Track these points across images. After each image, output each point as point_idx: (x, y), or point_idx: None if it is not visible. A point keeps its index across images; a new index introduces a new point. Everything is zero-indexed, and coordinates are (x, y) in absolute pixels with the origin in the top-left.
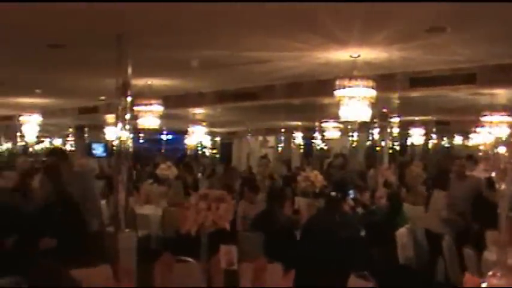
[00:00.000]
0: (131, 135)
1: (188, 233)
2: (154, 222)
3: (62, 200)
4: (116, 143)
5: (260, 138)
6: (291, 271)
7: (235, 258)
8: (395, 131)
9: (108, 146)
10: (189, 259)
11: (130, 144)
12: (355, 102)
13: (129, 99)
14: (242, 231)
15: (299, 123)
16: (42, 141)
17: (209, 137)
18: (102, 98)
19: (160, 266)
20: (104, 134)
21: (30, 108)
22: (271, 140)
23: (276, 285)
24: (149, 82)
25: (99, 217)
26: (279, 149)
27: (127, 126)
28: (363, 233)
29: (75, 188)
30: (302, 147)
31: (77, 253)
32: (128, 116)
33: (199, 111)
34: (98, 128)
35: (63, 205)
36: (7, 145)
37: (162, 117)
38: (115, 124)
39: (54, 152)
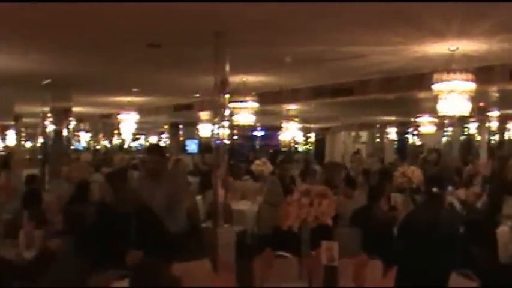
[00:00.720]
0: (229, 132)
1: (285, 229)
2: (250, 218)
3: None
4: (214, 139)
5: (353, 133)
6: (392, 269)
7: (337, 254)
8: (494, 125)
9: (201, 142)
10: (288, 255)
11: (228, 141)
12: (454, 96)
13: (226, 96)
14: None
15: (393, 118)
16: (138, 139)
17: (302, 133)
18: (197, 95)
19: (260, 262)
20: (198, 130)
21: (128, 107)
22: (363, 135)
23: (376, 282)
24: (244, 79)
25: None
26: (372, 144)
27: (224, 123)
28: (461, 231)
29: (166, 187)
30: (396, 142)
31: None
32: (227, 113)
33: (293, 107)
34: (192, 125)
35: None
36: (104, 142)
37: (256, 113)
38: (211, 121)
39: (155, 149)
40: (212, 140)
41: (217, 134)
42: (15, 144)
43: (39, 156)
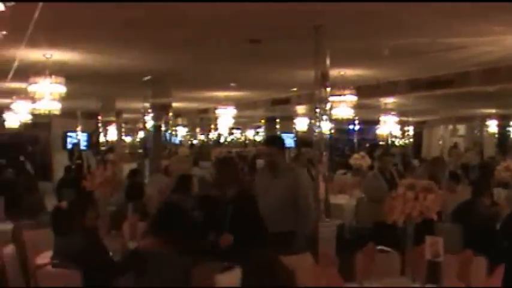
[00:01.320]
0: (330, 126)
1: (389, 223)
2: (348, 212)
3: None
4: (313, 133)
5: (450, 127)
6: (500, 267)
7: (441, 249)
8: None
9: (298, 137)
10: (390, 249)
11: (328, 135)
12: None
13: (327, 89)
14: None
15: (493, 110)
16: (232, 133)
17: (399, 127)
18: (294, 89)
19: (362, 256)
20: (294, 125)
21: (225, 101)
22: (461, 128)
23: (481, 280)
24: (342, 72)
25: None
26: (470, 138)
27: (325, 117)
28: None
29: (283, 180)
30: (496, 136)
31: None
32: (327, 106)
33: (390, 100)
34: (289, 119)
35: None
36: (200, 137)
37: (353, 107)
38: (308, 115)
39: (272, 140)
40: (312, 134)
41: (318, 127)
42: (116, 139)
43: (139, 151)
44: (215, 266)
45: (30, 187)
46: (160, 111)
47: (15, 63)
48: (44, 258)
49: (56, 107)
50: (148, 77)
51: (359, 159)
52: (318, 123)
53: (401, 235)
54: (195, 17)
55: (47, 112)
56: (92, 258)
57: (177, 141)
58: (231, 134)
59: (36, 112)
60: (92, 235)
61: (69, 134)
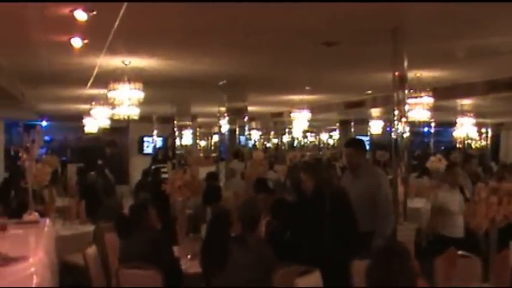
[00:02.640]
0: (408, 128)
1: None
2: (425, 216)
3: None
4: (392, 136)
5: None
6: None
7: None
8: None
9: (372, 139)
10: (471, 255)
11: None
12: None
13: (405, 92)
14: None
15: None
16: (306, 137)
17: (475, 129)
18: (369, 92)
19: (443, 261)
20: (369, 127)
21: (299, 105)
22: None
23: None
24: (418, 74)
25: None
26: None
27: (403, 119)
28: None
29: (364, 181)
30: None
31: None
32: (406, 108)
33: (467, 102)
34: (363, 122)
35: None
36: (274, 140)
37: (430, 109)
38: (386, 117)
39: (352, 142)
40: (388, 136)
41: (396, 130)
42: (191, 143)
43: (213, 154)
44: (295, 269)
45: (109, 190)
46: (236, 115)
47: (95, 71)
48: None
49: (134, 112)
50: (224, 82)
51: (436, 162)
52: (395, 126)
53: (481, 240)
54: (271, 21)
55: (125, 117)
56: (158, 259)
57: (250, 146)
58: (304, 137)
59: (116, 117)
60: (156, 236)
61: (145, 138)
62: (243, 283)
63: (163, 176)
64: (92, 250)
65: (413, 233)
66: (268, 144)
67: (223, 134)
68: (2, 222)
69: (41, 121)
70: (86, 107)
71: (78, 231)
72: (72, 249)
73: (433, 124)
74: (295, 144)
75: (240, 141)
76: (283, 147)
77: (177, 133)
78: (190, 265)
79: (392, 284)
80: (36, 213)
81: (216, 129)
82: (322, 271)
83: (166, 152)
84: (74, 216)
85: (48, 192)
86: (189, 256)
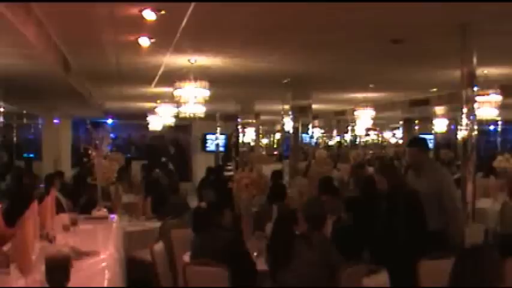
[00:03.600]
0: (476, 127)
1: None
2: (492, 217)
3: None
4: (460, 135)
5: None
6: None
7: None
8: None
9: (436, 138)
10: None
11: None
12: None
13: (475, 89)
14: None
15: None
16: (369, 135)
17: None
18: (434, 89)
19: None
20: (433, 126)
21: (363, 103)
22: None
23: None
24: (485, 71)
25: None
26: None
27: (472, 117)
28: None
29: (426, 180)
30: None
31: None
32: (474, 106)
33: None
34: (427, 120)
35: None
36: (337, 138)
37: (497, 107)
38: (451, 115)
39: (414, 141)
40: (454, 135)
41: (464, 129)
42: (254, 141)
43: (275, 153)
44: (361, 268)
45: (174, 187)
46: (300, 113)
47: (161, 69)
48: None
49: (199, 110)
50: (288, 79)
51: (503, 161)
52: (463, 124)
53: None
54: (338, 19)
55: (191, 115)
56: (231, 256)
57: (312, 143)
58: (367, 135)
59: (182, 115)
60: (230, 234)
61: (208, 136)
62: (308, 281)
63: (227, 173)
64: (159, 246)
65: (482, 234)
66: (330, 143)
67: (286, 132)
68: (72, 218)
69: (107, 119)
70: (150, 105)
71: (144, 228)
72: (138, 245)
73: (500, 122)
74: (357, 142)
75: (302, 140)
76: (346, 145)
77: (240, 131)
78: (256, 263)
79: (481, 285)
80: (105, 209)
81: (278, 127)
82: (389, 271)
83: (229, 150)
84: (139, 212)
85: (115, 189)
86: (255, 254)
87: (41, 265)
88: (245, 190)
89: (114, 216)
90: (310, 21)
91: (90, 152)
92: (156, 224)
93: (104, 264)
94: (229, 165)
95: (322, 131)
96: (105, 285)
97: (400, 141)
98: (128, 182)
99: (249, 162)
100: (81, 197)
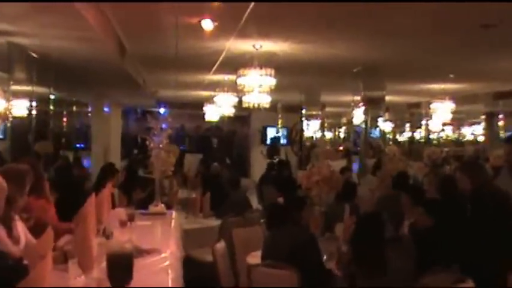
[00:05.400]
0: None
1: None
2: None
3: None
4: None
5: None
6: None
7: None
8: None
9: None
10: None
11: None
12: None
13: None
14: None
15: None
16: (443, 130)
17: None
18: None
19: None
20: None
21: (440, 95)
22: None
23: None
24: None
25: None
26: None
27: None
28: None
29: None
30: None
31: None
32: None
33: None
34: None
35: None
36: (407, 133)
37: None
38: None
39: None
40: None
41: None
42: (320, 135)
43: (340, 148)
44: (447, 277)
45: (234, 183)
46: (372, 104)
47: (222, 55)
48: (254, 257)
49: (264, 100)
50: (359, 68)
51: None
52: None
53: None
54: (420, 3)
55: (255, 105)
56: (305, 257)
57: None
58: (442, 130)
59: (245, 105)
60: (306, 234)
61: (268, 128)
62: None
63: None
64: (220, 246)
65: None
66: (400, 138)
67: (355, 125)
68: (129, 213)
69: (159, 108)
70: (208, 93)
71: (202, 225)
72: (195, 244)
73: None
74: (431, 138)
75: (371, 134)
76: (418, 141)
77: (304, 123)
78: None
79: None
80: (163, 205)
81: (344, 120)
82: (476, 282)
83: (292, 144)
84: (197, 209)
85: (170, 183)
86: (325, 257)
87: (100, 262)
88: (316, 187)
89: (172, 212)
90: (385, 5)
91: (148, 142)
92: (215, 222)
93: (166, 263)
94: (275, 159)
95: (393, 125)
96: (170, 285)
97: (481, 138)
98: (182, 176)
99: (314, 157)
100: (134, 191)
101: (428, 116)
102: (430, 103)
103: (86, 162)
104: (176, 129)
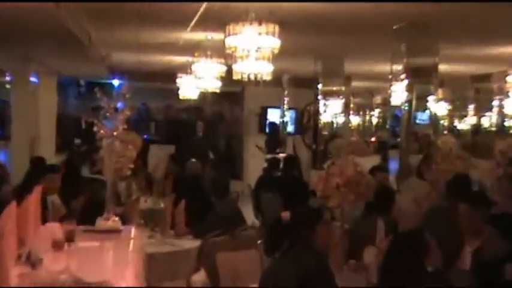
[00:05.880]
0: None
1: None
2: None
3: None
4: None
5: None
6: None
7: None
8: None
9: None
10: None
11: None
12: None
13: None
14: None
15: None
16: None
17: None
18: None
19: None
20: None
21: None
22: None
23: None
24: None
25: None
26: None
27: None
28: None
29: None
30: None
31: None
32: None
33: None
34: None
35: None
36: (470, 120)
37: None
38: None
39: None
40: None
41: None
42: (343, 120)
43: (372, 139)
44: None
45: (220, 188)
46: (419, 77)
47: (203, 5)
48: None
49: (265, 70)
50: (402, 25)
51: None
52: None
53: None
54: None
55: (252, 77)
56: None
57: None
58: None
59: (237, 77)
60: (321, 261)
61: (270, 110)
62: None
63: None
64: (199, 277)
65: None
66: (459, 126)
67: (394, 106)
68: (68, 230)
69: (113, 79)
70: (183, 60)
71: (175, 248)
72: (165, 274)
73: None
74: (506, 126)
75: (416, 119)
76: (491, 129)
77: (321, 104)
78: None
79: None
80: (117, 218)
81: (378, 99)
82: None
83: (303, 133)
84: (167, 225)
85: (128, 187)
86: None
87: None
88: (336, 195)
89: (130, 229)
90: None
91: (96, 128)
92: (192, 244)
93: None
94: (279, 155)
95: (449, 106)
96: None
97: None
98: (145, 177)
99: (334, 152)
100: (75, 199)
101: (503, 94)
102: (505, 75)
103: (1, 156)
104: (138, 110)
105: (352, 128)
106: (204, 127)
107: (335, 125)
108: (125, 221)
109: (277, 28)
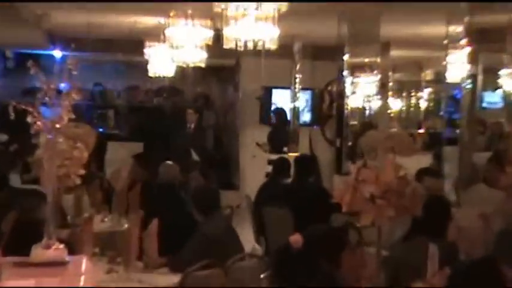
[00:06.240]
0: None
1: None
2: None
3: None
4: None
5: None
6: None
7: None
8: None
9: None
10: None
11: None
12: None
13: None
14: None
15: None
16: None
17: None
18: None
19: None
20: None
21: None
22: None
23: None
24: None
25: None
26: None
27: None
28: None
29: None
30: None
31: None
32: None
33: None
34: None
35: None
36: None
37: None
38: None
39: None
40: None
41: None
42: (380, 104)
43: (419, 131)
44: None
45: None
46: (487, 44)
47: None
48: None
49: (269, 35)
50: None
51: None
52: None
53: None
54: None
55: (248, 45)
56: None
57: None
58: None
59: (229, 45)
60: None
61: (275, 91)
62: None
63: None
64: None
65: None
66: None
67: (451, 84)
68: None
69: (53, 49)
70: (153, 21)
71: (142, 286)
72: None
73: None
74: None
75: (483, 103)
76: None
77: (347, 82)
78: None
79: None
80: (61, 246)
81: (428, 74)
82: None
83: (323, 123)
84: (133, 254)
85: (76, 201)
86: None
87: None
88: (369, 209)
89: (81, 260)
90: None
91: (30, 119)
92: (169, 279)
93: None
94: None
95: None
96: None
97: None
98: (101, 186)
99: (366, 149)
100: (2, 219)
101: None
102: None
103: None
104: (90, 92)
105: (392, 115)
106: (183, 117)
107: (368, 112)
108: (72, 249)
109: None
